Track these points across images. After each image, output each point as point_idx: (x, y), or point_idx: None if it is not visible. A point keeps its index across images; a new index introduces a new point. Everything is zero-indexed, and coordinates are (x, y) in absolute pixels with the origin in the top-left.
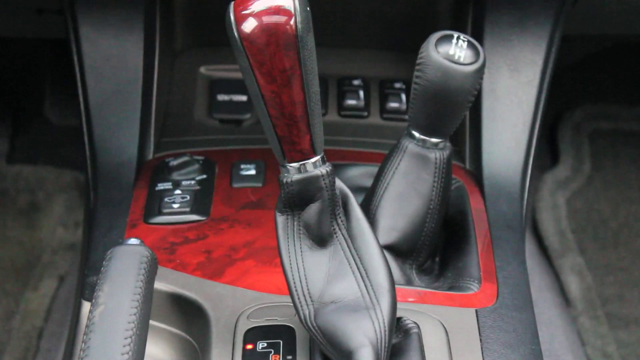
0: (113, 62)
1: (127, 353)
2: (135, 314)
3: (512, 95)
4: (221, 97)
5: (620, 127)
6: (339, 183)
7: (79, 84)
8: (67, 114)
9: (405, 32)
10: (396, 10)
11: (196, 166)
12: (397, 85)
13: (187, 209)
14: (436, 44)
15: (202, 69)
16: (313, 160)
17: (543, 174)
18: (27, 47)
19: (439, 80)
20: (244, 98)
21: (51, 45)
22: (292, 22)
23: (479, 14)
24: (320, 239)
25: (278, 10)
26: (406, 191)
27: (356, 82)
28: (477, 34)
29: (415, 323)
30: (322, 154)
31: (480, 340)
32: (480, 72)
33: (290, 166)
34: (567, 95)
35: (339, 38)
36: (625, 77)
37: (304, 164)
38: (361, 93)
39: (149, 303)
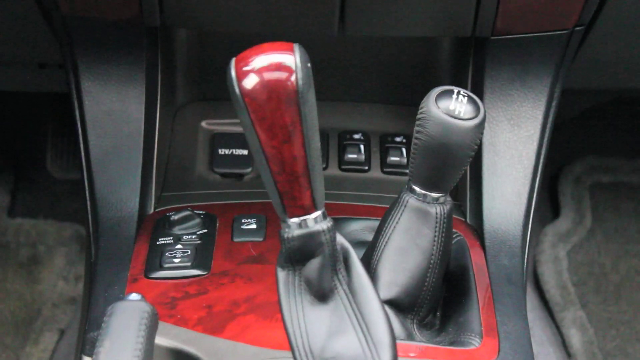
0: (115, 116)
1: None
2: None
3: (512, 149)
4: (222, 151)
5: (621, 180)
6: (339, 238)
7: (81, 138)
8: (68, 168)
9: (406, 86)
10: (397, 64)
11: (197, 220)
12: (398, 139)
13: (188, 264)
14: (436, 99)
15: (204, 123)
16: (314, 215)
17: (544, 226)
18: (29, 101)
19: (440, 135)
20: (245, 152)
21: (53, 99)
22: (293, 78)
23: (479, 68)
24: (322, 295)
25: (279, 67)
26: (407, 246)
27: (357, 136)
28: (477, 89)
29: None
30: (323, 209)
31: None
32: (480, 127)
33: (291, 222)
34: (568, 148)
35: (339, 92)
36: (625, 130)
37: (304, 220)
38: (362, 147)
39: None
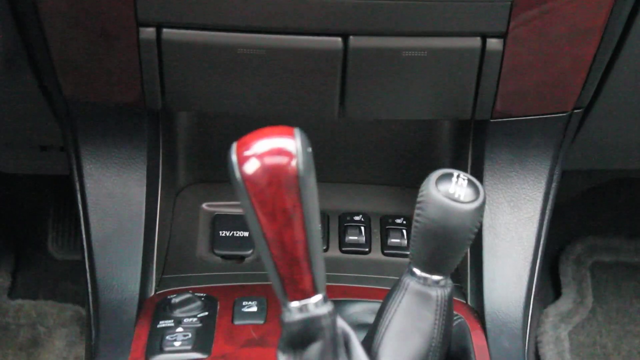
0: (116, 199)
1: None
2: None
3: (512, 231)
4: (223, 233)
5: (622, 260)
6: (340, 322)
7: (82, 221)
8: (69, 249)
9: (406, 168)
10: (397, 146)
11: (198, 303)
12: (398, 220)
13: (189, 347)
14: (436, 182)
15: (204, 205)
16: (315, 300)
17: (545, 307)
18: (30, 183)
19: (440, 218)
20: (246, 234)
21: (54, 181)
22: (293, 163)
23: (478, 151)
24: None
25: (280, 152)
26: (408, 329)
27: (357, 218)
28: (477, 171)
29: None
30: (324, 293)
31: None
32: (480, 210)
33: (292, 306)
34: (568, 228)
35: (340, 173)
36: (625, 210)
37: (305, 304)
38: (362, 229)
39: None
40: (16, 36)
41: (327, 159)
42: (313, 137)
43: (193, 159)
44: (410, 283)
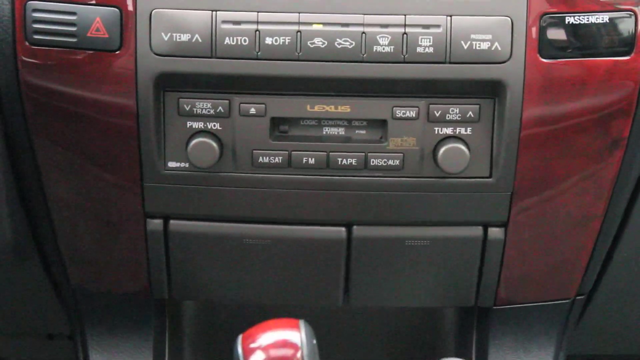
0: None
1: None
2: None
3: None
4: None
5: None
6: None
7: None
8: None
9: (411, 354)
10: (401, 333)
11: None
12: None
13: None
14: None
15: None
16: None
17: None
18: None
19: None
20: None
21: None
22: (298, 355)
23: (482, 337)
24: None
25: (285, 344)
26: None
27: None
28: (482, 357)
29: None
30: None
31: None
32: None
33: None
34: None
35: (344, 357)
36: None
37: None
38: None
39: None
40: (26, 227)
41: (331, 344)
42: (317, 324)
43: (199, 349)
44: None
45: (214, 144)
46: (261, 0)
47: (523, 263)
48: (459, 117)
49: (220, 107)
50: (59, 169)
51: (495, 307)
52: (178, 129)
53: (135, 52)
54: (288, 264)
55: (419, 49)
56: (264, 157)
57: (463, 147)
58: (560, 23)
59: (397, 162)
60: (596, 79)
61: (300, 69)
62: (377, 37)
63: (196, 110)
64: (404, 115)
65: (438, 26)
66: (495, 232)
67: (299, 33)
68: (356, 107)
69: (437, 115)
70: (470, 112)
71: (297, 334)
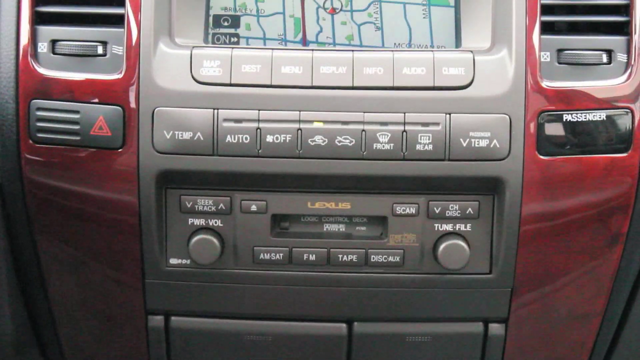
0: None
1: None
2: None
3: None
4: None
5: None
6: None
7: None
8: None
9: None
10: None
11: None
12: None
13: None
14: None
15: None
16: None
17: None
18: None
19: None
20: None
21: None
22: None
23: None
24: None
25: None
26: None
27: None
28: None
29: None
30: None
31: None
32: None
33: None
34: None
35: None
36: None
37: None
38: None
39: None
40: (26, 322)
41: None
42: None
43: None
44: None
45: (215, 241)
46: (262, 97)
47: (524, 358)
48: (458, 213)
49: (221, 204)
50: (61, 263)
51: None
52: (180, 225)
53: (138, 150)
54: None
55: (418, 147)
56: (265, 254)
57: (463, 244)
58: (558, 121)
59: (397, 258)
60: (594, 176)
61: (301, 166)
62: (377, 134)
63: (198, 207)
64: (404, 212)
65: (437, 124)
66: (495, 328)
67: (299, 131)
68: (356, 203)
69: (437, 211)
70: (469, 209)
71: None
